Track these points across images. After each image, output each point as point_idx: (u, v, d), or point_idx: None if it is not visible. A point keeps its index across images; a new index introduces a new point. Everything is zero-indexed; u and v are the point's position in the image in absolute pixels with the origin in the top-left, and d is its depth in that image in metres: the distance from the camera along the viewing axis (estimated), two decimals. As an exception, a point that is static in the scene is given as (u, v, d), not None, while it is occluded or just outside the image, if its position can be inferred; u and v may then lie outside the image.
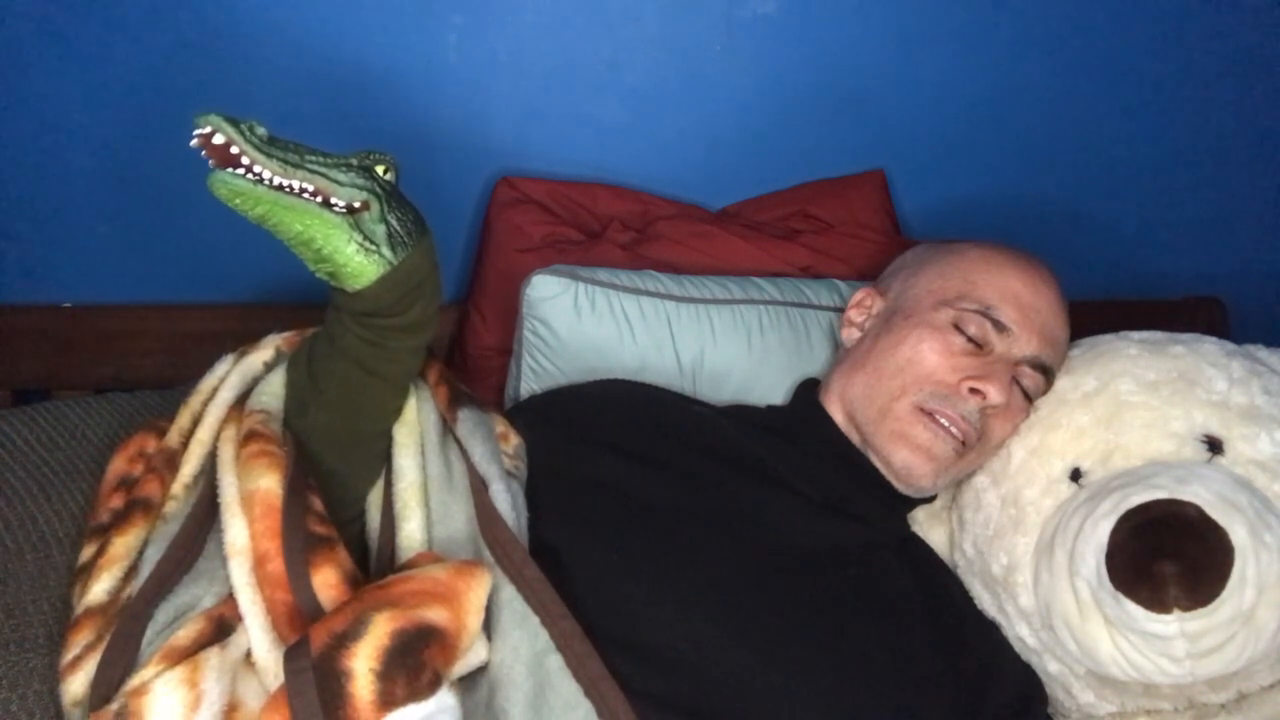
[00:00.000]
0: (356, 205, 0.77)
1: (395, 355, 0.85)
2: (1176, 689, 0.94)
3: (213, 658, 0.72)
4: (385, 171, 0.81)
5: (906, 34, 1.34)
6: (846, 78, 1.35)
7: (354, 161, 0.79)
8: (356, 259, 0.78)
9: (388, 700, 0.66)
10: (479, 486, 0.86)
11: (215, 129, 0.70)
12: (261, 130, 0.73)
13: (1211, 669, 0.88)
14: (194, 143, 0.71)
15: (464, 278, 1.35)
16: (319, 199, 0.75)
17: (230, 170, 0.71)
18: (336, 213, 0.76)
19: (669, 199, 1.35)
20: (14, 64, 1.18)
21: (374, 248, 0.78)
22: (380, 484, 0.89)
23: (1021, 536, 0.97)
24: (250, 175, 0.72)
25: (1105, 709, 0.99)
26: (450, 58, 1.26)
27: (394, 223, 0.80)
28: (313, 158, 0.76)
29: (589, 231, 1.30)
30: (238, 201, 0.72)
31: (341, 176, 0.77)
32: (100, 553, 0.82)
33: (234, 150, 0.71)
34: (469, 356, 1.29)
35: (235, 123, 0.71)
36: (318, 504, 0.81)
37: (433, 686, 0.69)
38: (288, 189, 0.74)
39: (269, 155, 0.72)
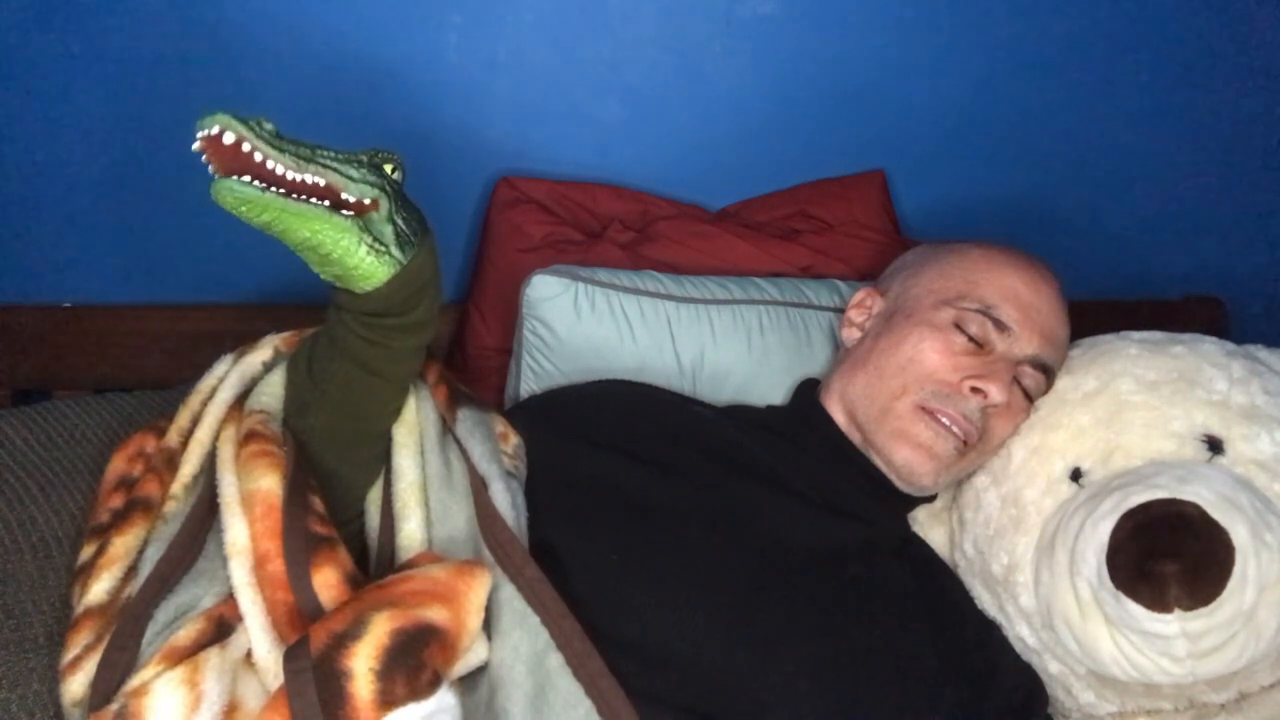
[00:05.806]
0: (366, 202, 0.76)
1: (397, 355, 0.85)
2: (1177, 689, 0.93)
3: (213, 658, 0.72)
4: (393, 170, 0.80)
5: (906, 34, 1.34)
6: (846, 78, 1.35)
7: (363, 159, 0.78)
8: (367, 260, 0.77)
9: (388, 700, 0.66)
10: (479, 486, 0.86)
11: (225, 127, 0.68)
12: (270, 126, 0.71)
13: (1212, 669, 0.87)
14: (197, 146, 0.68)
15: (464, 278, 1.35)
16: (326, 202, 0.74)
17: (235, 178, 0.69)
18: (345, 215, 0.75)
19: (669, 199, 1.35)
20: (14, 64, 1.18)
21: (383, 249, 0.78)
22: (380, 483, 0.89)
23: (1022, 536, 0.97)
24: (257, 183, 0.70)
25: (1105, 709, 0.99)
26: (450, 58, 1.26)
27: (400, 222, 0.79)
28: (324, 153, 0.75)
29: (589, 231, 1.30)
30: (244, 209, 0.71)
31: (353, 172, 0.76)
32: (100, 553, 0.82)
33: (246, 147, 0.68)
34: (469, 356, 1.29)
35: (244, 120, 0.69)
36: (318, 504, 0.81)
37: (433, 686, 0.69)
38: (299, 183, 0.72)
39: (281, 150, 0.71)
